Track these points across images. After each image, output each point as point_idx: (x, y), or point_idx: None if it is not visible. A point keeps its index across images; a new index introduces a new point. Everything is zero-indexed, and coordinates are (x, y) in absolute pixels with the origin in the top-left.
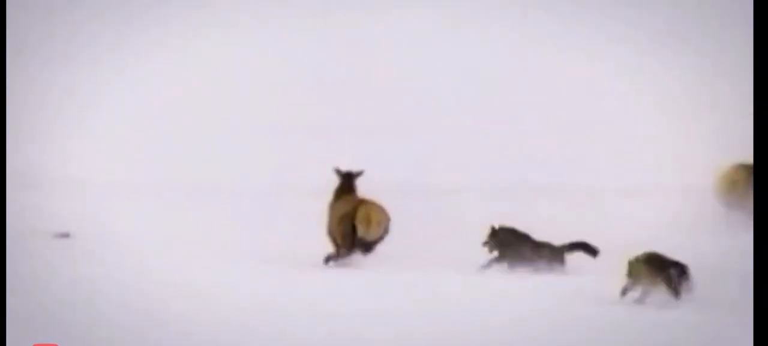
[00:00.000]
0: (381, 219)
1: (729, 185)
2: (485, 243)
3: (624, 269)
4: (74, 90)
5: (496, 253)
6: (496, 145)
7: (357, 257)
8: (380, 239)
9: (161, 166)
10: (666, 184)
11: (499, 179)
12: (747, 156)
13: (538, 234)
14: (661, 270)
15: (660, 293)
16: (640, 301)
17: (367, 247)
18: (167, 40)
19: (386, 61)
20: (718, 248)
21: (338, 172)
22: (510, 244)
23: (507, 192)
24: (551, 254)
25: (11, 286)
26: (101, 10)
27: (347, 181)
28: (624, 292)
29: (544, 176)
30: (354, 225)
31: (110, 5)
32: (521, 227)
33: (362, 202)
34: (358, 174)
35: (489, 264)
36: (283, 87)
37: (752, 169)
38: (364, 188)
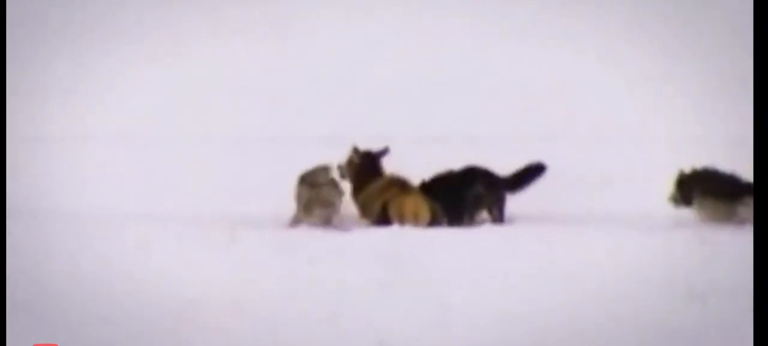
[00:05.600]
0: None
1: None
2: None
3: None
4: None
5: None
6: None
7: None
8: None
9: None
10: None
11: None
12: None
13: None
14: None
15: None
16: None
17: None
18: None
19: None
20: (717, 248)
21: (357, 152)
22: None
23: None
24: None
25: (11, 285)
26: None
27: (370, 162)
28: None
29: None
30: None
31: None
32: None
33: (404, 192)
34: (383, 153)
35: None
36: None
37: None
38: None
